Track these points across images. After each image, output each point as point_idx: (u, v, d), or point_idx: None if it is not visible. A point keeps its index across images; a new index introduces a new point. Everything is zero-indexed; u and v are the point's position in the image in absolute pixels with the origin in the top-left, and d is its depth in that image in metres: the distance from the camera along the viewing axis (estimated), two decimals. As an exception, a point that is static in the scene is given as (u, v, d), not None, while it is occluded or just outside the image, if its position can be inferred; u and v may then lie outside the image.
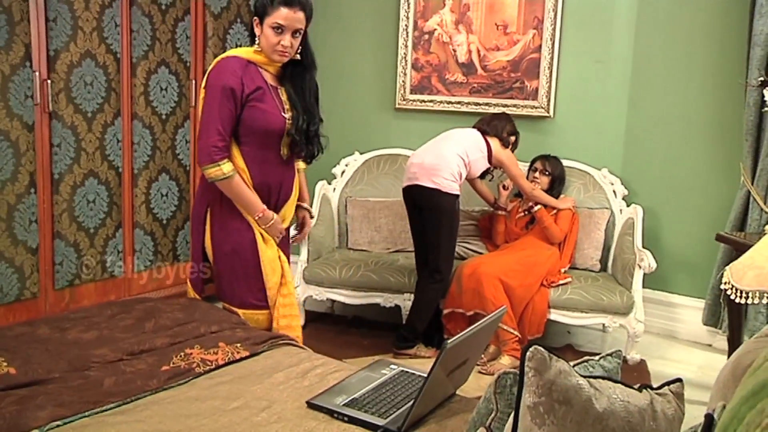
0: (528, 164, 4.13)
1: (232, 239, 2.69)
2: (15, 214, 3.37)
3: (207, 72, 2.61)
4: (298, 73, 2.70)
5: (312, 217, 3.02)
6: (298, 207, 2.92)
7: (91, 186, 3.73)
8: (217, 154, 2.53)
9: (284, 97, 2.68)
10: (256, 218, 2.65)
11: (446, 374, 1.91)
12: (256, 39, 2.62)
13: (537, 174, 4.04)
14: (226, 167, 2.55)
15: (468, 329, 1.89)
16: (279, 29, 2.54)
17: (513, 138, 3.88)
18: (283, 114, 2.64)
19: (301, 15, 2.57)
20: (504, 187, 4.13)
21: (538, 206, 3.94)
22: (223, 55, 2.63)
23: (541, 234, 3.94)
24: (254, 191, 2.65)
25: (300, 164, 2.88)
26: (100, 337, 2.35)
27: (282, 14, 2.53)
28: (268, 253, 2.72)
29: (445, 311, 3.73)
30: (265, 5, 2.56)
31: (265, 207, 2.65)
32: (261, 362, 2.29)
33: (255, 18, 2.60)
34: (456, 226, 3.68)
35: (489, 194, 4.13)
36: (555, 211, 3.98)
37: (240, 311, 2.72)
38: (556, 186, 4.06)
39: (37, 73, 3.41)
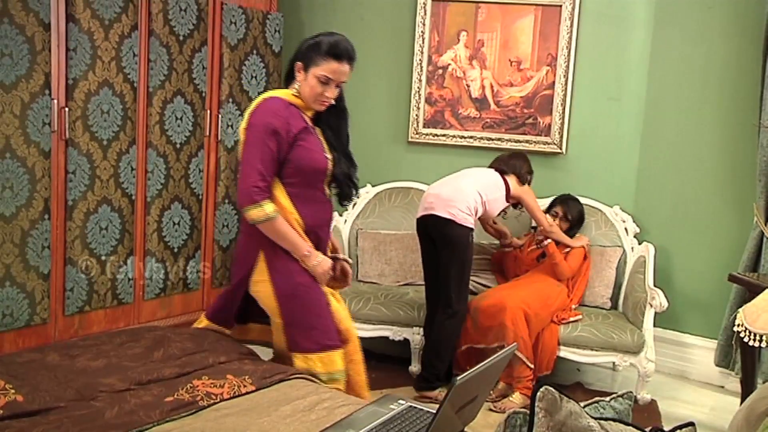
0: (545, 201, 4.13)
1: (294, 281, 2.56)
2: (28, 240, 3.39)
3: (248, 113, 2.52)
4: (333, 117, 2.65)
5: (350, 265, 2.87)
6: (334, 258, 2.75)
7: (104, 213, 3.75)
8: (258, 194, 2.43)
9: (322, 139, 2.63)
10: (303, 256, 2.51)
11: (455, 411, 1.89)
12: (295, 84, 2.55)
13: (557, 220, 4.01)
14: (269, 207, 2.44)
15: (478, 366, 1.88)
16: (326, 81, 2.50)
17: (529, 177, 3.90)
18: (326, 154, 2.59)
19: (347, 68, 2.54)
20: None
21: (548, 240, 3.92)
22: (264, 96, 2.55)
23: (551, 270, 3.92)
24: (303, 232, 2.55)
25: None
26: (108, 366, 2.35)
27: (331, 67, 2.49)
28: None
29: (463, 348, 3.69)
30: (313, 54, 2.50)
31: (311, 245, 2.54)
32: (267, 395, 2.28)
33: (298, 63, 2.53)
34: (469, 260, 3.65)
35: (495, 233, 4.11)
36: (568, 249, 3.96)
37: (317, 356, 2.56)
38: (574, 228, 4.05)
39: (55, 101, 3.45)
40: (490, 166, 3.89)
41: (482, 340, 3.62)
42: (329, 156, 2.60)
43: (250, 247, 2.58)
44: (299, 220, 2.53)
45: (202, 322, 2.83)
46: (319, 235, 2.62)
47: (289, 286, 2.55)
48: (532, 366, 3.55)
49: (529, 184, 3.92)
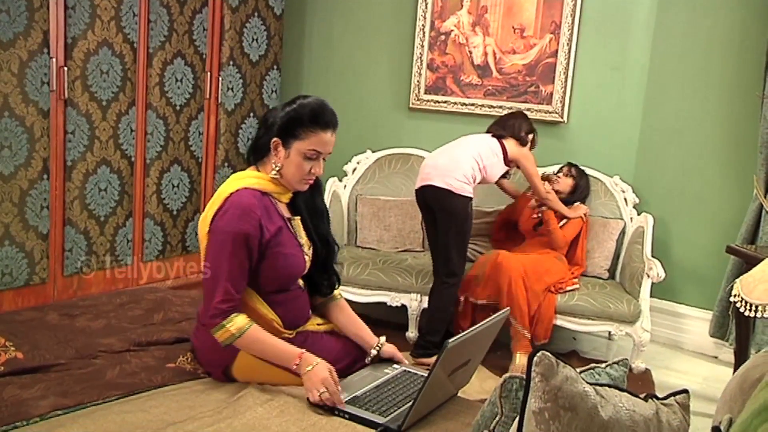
0: (544, 168, 4.13)
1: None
2: (27, 200, 3.39)
3: (213, 207, 2.09)
4: (310, 197, 2.28)
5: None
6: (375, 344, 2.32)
7: (103, 174, 3.75)
8: (220, 316, 2.03)
9: (301, 231, 2.25)
10: (294, 367, 2.03)
11: (447, 374, 1.91)
12: (272, 163, 2.13)
13: (560, 175, 4.01)
14: (235, 325, 2.03)
15: (470, 329, 1.90)
16: (314, 156, 2.11)
17: (531, 136, 3.85)
18: (304, 253, 2.22)
19: (334, 136, 2.16)
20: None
21: (544, 207, 3.92)
22: (233, 188, 2.10)
23: (547, 240, 3.91)
24: (284, 328, 2.18)
25: (336, 293, 2.40)
26: (108, 326, 2.36)
27: (321, 139, 2.10)
28: None
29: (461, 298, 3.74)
30: (296, 127, 2.08)
31: (303, 351, 2.06)
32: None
33: (275, 139, 2.10)
34: (467, 229, 3.64)
35: (516, 191, 4.11)
36: (565, 221, 3.94)
37: None
38: (576, 194, 4.02)
39: (54, 60, 3.42)
40: (488, 130, 3.85)
41: (477, 294, 3.69)
42: (308, 252, 2.24)
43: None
44: (279, 322, 2.17)
45: None
46: (297, 325, 2.25)
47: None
48: (529, 335, 3.59)
49: (533, 144, 3.87)
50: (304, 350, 2.05)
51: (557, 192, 3.96)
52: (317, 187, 2.28)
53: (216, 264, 2.04)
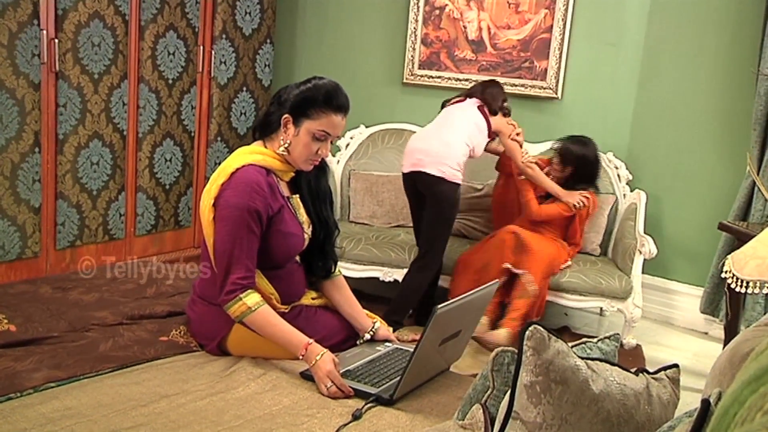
0: (533, 144, 4.13)
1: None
2: (19, 173, 3.37)
3: (219, 181, 2.08)
4: (313, 178, 2.28)
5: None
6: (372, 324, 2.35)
7: (96, 148, 3.73)
8: (237, 291, 2.02)
9: (301, 209, 2.24)
10: (300, 356, 2.00)
11: (438, 343, 1.92)
12: (280, 140, 2.13)
13: (554, 164, 3.88)
14: (251, 299, 2.03)
15: (459, 297, 1.91)
16: (323, 137, 2.12)
17: (506, 103, 3.78)
18: (304, 231, 2.22)
19: (345, 120, 2.17)
20: None
21: (522, 176, 3.80)
22: (239, 163, 2.09)
23: (558, 227, 3.86)
24: (280, 304, 2.18)
25: (337, 274, 2.39)
26: (101, 300, 2.37)
27: (332, 122, 2.11)
28: None
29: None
30: (309, 106, 2.09)
31: (311, 341, 2.02)
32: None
33: (286, 116, 2.11)
34: (453, 216, 3.62)
35: (496, 149, 3.93)
36: (551, 199, 3.88)
37: None
38: (579, 177, 3.85)
39: (44, 32, 3.38)
40: (472, 95, 3.73)
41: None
42: (307, 231, 2.24)
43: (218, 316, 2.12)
44: (277, 297, 2.18)
45: None
46: (293, 300, 2.26)
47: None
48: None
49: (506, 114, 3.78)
50: (312, 340, 2.01)
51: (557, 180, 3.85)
52: (323, 169, 2.29)
53: (232, 239, 2.03)
